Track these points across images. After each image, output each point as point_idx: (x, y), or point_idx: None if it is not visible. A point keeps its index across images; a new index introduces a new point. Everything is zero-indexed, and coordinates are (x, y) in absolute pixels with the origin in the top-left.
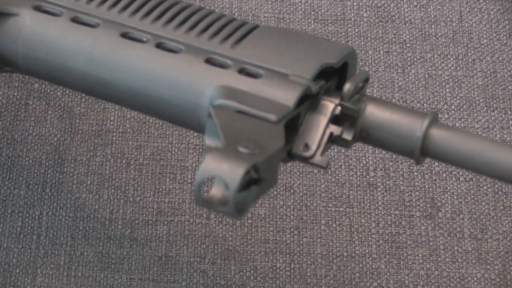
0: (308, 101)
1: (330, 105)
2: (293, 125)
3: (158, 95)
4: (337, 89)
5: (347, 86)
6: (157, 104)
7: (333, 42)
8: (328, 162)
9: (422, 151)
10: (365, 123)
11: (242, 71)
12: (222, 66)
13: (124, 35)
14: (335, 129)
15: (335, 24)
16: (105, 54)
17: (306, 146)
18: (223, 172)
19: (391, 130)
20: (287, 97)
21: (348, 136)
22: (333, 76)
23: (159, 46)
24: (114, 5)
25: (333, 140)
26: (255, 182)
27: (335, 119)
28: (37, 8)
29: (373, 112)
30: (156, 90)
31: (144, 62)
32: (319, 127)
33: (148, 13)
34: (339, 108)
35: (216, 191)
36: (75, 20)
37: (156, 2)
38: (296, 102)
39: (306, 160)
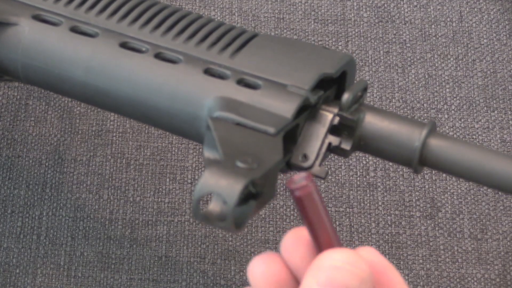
0: (307, 112)
1: (328, 115)
2: (292, 135)
3: (156, 106)
4: (336, 97)
5: (346, 97)
6: (155, 114)
7: (332, 51)
8: (327, 172)
9: (420, 161)
10: (363, 133)
11: (240, 82)
12: (221, 76)
13: (123, 45)
14: (333, 140)
15: (335, 24)
16: (104, 64)
17: (305, 157)
18: (221, 188)
19: (389, 140)
20: (286, 108)
21: (346, 146)
22: (332, 84)
23: (158, 56)
24: (113, 14)
25: (332, 150)
26: (253, 196)
27: (333, 129)
28: (36, 18)
29: (372, 122)
30: (154, 100)
31: (143, 73)
32: (318, 137)
33: (147, 22)
34: (337, 118)
35: (214, 206)
36: (74, 29)
37: (155, 11)
38: (295, 113)
39: (304, 170)
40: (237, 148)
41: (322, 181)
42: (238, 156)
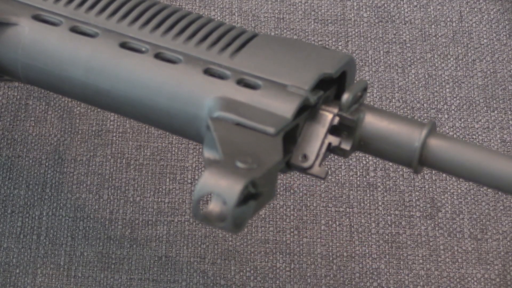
0: (307, 112)
1: (328, 116)
2: (291, 135)
3: (156, 106)
4: (336, 97)
5: (345, 97)
6: (156, 115)
7: (332, 51)
8: (327, 172)
9: (420, 161)
10: (363, 133)
11: (240, 82)
12: (221, 76)
13: (123, 45)
14: (333, 140)
15: (335, 24)
16: (104, 64)
17: (305, 157)
18: (221, 188)
19: (389, 141)
20: (286, 108)
21: (346, 146)
22: (332, 84)
23: (157, 56)
24: (113, 14)
25: (332, 150)
26: (253, 196)
27: (333, 129)
28: (36, 18)
29: (371, 122)
30: (154, 100)
31: (143, 73)
32: (318, 137)
33: (147, 22)
34: (337, 118)
35: (214, 207)
36: (74, 29)
37: (155, 11)
38: (294, 113)
39: (304, 170)
40: (237, 148)
41: (323, 181)
42: (238, 156)
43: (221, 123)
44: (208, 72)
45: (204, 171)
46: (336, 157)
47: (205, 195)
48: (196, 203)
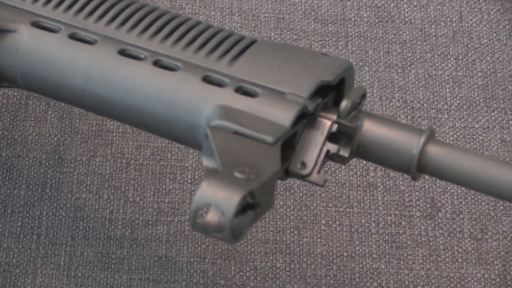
0: (305, 119)
1: (327, 123)
2: (290, 142)
3: (155, 113)
4: (334, 103)
5: (344, 104)
6: (154, 122)
7: (331, 57)
8: (325, 180)
9: (419, 168)
10: (362, 140)
11: (239, 90)
12: (219, 84)
13: (122, 52)
14: (331, 147)
15: (335, 24)
16: (103, 71)
17: (303, 164)
18: (219, 200)
19: (387, 147)
20: (284, 117)
21: (345, 153)
22: (330, 91)
23: (156, 63)
24: (111, 20)
25: (330, 157)
26: (251, 206)
27: (331, 136)
28: (35, 24)
29: (370, 129)
30: (153, 108)
31: (142, 80)
32: (316, 145)
33: (145, 29)
34: (335, 125)
35: (212, 217)
36: (72, 36)
37: (153, 17)
38: (293, 122)
39: (303, 178)
40: (235, 158)
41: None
42: (236, 167)
43: (219, 132)
44: (206, 79)
45: (201, 181)
46: None
47: (203, 206)
48: (194, 214)
